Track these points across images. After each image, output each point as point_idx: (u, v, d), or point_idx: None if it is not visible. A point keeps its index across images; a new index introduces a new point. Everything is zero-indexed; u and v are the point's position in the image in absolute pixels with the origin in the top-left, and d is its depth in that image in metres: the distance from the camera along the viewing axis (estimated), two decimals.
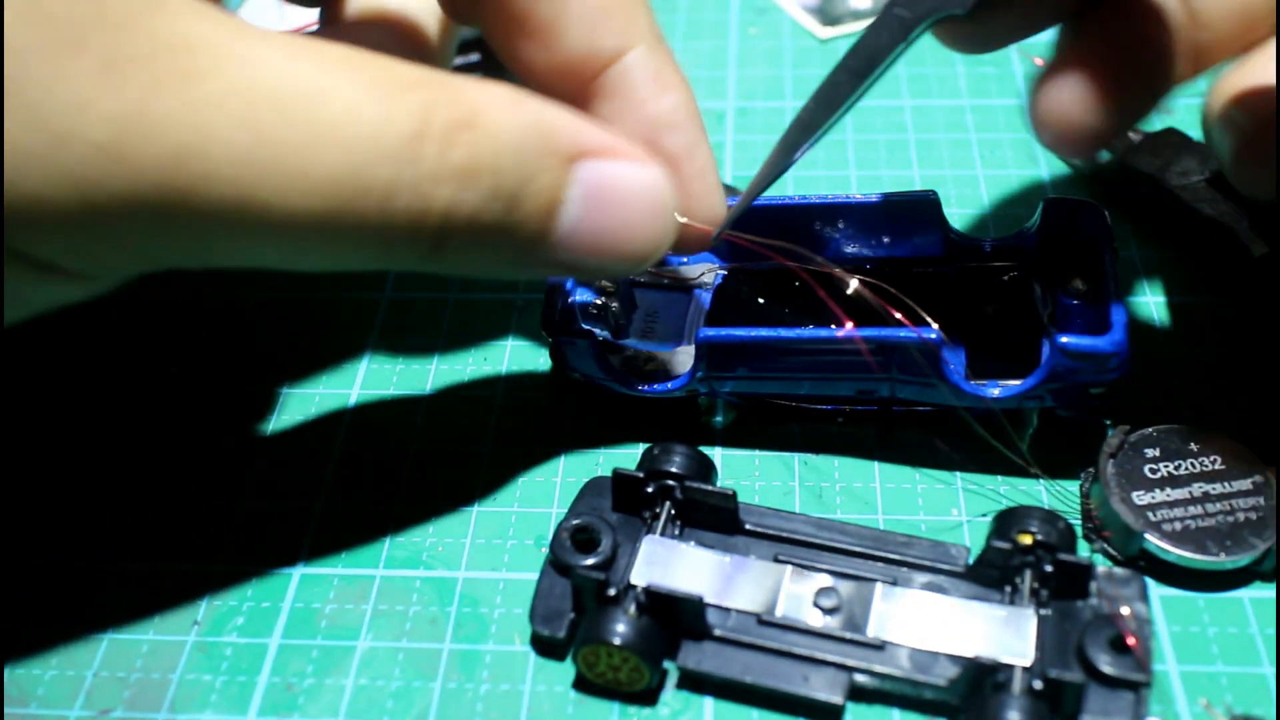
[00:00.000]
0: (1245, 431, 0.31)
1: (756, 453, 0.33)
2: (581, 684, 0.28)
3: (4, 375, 0.36)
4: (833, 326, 0.30)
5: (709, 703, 0.27)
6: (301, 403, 0.36)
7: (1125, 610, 0.27)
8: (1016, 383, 0.30)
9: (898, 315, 0.29)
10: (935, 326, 0.29)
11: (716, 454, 0.33)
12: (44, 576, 0.31)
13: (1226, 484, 0.30)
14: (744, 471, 0.33)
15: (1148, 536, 0.29)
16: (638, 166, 0.27)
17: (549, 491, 0.32)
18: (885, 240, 0.34)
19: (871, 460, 0.33)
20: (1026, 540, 0.27)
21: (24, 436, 0.35)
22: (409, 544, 0.31)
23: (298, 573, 0.31)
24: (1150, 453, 0.30)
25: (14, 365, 0.37)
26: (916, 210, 0.33)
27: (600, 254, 0.27)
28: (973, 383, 0.30)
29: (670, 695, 0.28)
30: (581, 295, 0.34)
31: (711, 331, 0.31)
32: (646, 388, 0.33)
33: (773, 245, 0.30)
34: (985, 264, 0.34)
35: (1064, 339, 0.29)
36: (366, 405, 0.35)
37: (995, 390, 0.30)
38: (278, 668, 0.29)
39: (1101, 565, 0.28)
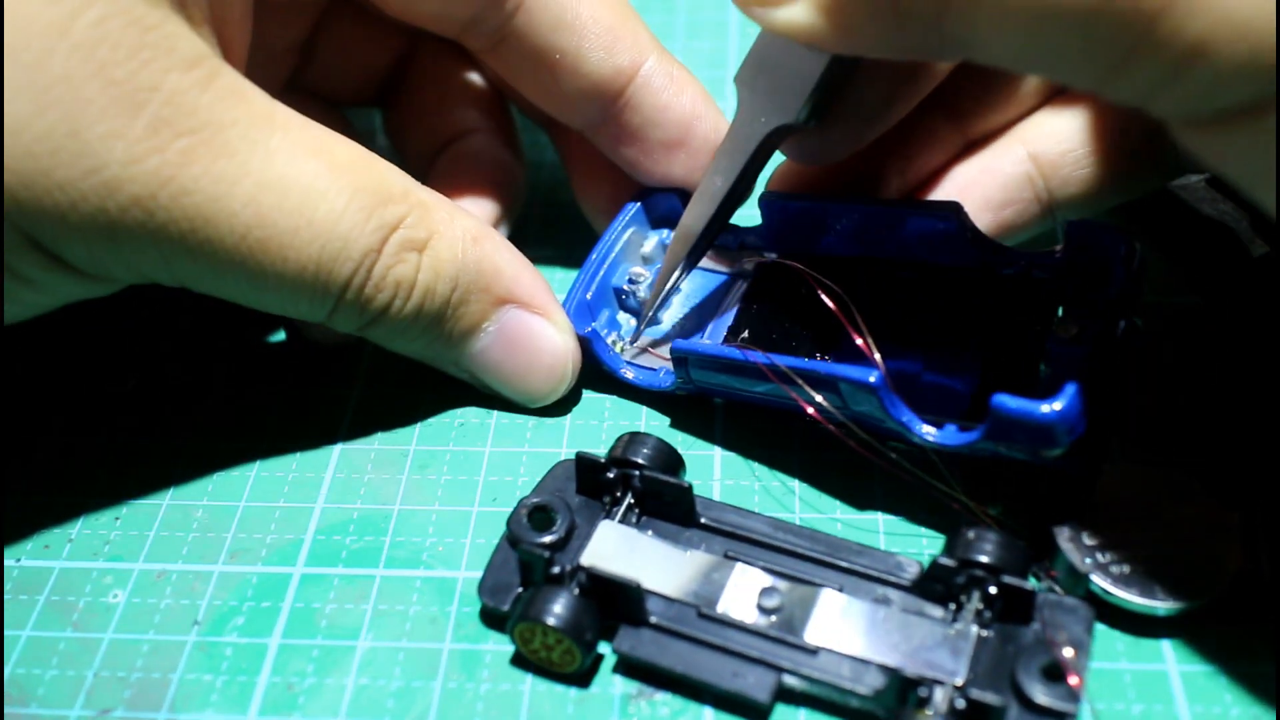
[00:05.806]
0: (1224, 454, 0.30)
1: (755, 461, 0.33)
2: (520, 660, 0.28)
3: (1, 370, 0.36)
4: (794, 354, 0.31)
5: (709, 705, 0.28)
6: (301, 402, 0.36)
7: (1064, 639, 0.26)
8: (970, 430, 0.28)
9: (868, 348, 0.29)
10: (879, 370, 0.28)
11: (716, 454, 0.33)
12: (43, 577, 0.31)
13: (1185, 527, 0.28)
14: (743, 472, 0.33)
15: (1093, 578, 0.28)
16: (552, 327, 0.33)
17: None
18: (911, 244, 0.33)
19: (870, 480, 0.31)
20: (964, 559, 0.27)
21: (21, 432, 0.35)
22: (409, 544, 0.31)
23: (298, 572, 0.31)
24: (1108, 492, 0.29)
25: (6, 363, 0.37)
26: (938, 217, 0.32)
27: (501, 381, 0.33)
28: (922, 427, 0.28)
29: (669, 695, 0.28)
30: (616, 279, 0.36)
31: (685, 344, 0.32)
32: (635, 378, 0.34)
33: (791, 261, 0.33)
34: (1016, 276, 0.31)
35: (998, 399, 0.26)
36: (366, 404, 0.35)
37: (932, 431, 0.28)
38: (278, 667, 0.29)
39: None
